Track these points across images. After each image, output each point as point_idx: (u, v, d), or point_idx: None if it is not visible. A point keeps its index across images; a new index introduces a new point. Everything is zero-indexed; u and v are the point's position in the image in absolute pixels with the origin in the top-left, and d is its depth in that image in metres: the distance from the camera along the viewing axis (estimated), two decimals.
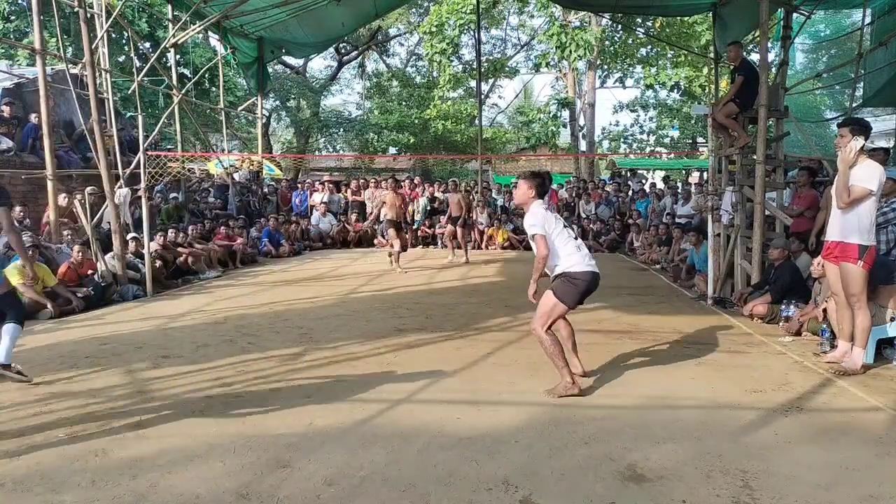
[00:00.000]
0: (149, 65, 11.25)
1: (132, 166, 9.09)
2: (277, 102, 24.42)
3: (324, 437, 3.28)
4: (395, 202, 10.20)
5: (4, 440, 3.23)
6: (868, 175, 4.22)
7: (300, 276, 9.77)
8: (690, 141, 24.28)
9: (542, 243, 3.89)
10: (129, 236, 8.69)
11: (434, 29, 19.53)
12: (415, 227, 14.07)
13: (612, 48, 20.69)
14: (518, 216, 14.19)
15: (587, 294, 4.02)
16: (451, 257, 11.40)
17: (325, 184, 16.33)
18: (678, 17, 16.71)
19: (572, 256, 3.96)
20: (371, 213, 12.66)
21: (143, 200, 8.06)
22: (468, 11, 18.64)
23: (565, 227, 4.05)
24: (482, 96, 20.31)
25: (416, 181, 16.25)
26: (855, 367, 4.41)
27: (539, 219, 3.94)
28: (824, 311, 5.09)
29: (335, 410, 3.68)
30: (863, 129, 4.36)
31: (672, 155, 24.59)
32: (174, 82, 12.25)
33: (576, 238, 4.07)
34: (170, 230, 9.77)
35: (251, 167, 15.86)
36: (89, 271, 7.53)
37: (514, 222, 13.86)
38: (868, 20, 9.23)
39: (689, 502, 2.61)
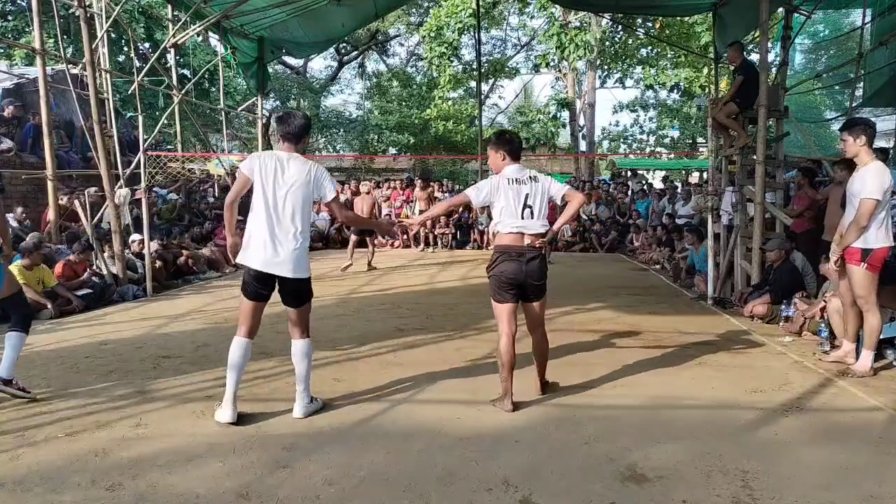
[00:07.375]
0: (149, 65, 11.24)
1: (132, 166, 9.09)
2: (277, 102, 24.42)
3: (324, 437, 3.28)
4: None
5: (4, 440, 3.24)
6: (876, 186, 4.11)
7: None
8: (690, 141, 24.30)
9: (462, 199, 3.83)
10: (134, 238, 8.68)
11: (433, 33, 19.54)
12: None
13: (612, 49, 20.69)
14: None
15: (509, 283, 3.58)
16: (350, 263, 9.86)
17: None
18: (678, 18, 16.71)
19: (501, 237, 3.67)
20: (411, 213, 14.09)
21: (143, 200, 8.06)
22: (467, 15, 18.64)
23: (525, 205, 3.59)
24: (482, 96, 20.31)
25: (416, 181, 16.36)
26: (865, 369, 4.32)
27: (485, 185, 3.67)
28: (822, 308, 5.09)
29: (335, 410, 3.68)
30: (866, 127, 4.25)
31: (672, 155, 24.61)
32: (174, 83, 12.25)
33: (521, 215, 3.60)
34: (184, 237, 9.85)
35: None
36: (89, 272, 7.53)
37: None
38: (868, 20, 9.22)
39: (689, 502, 2.61)
